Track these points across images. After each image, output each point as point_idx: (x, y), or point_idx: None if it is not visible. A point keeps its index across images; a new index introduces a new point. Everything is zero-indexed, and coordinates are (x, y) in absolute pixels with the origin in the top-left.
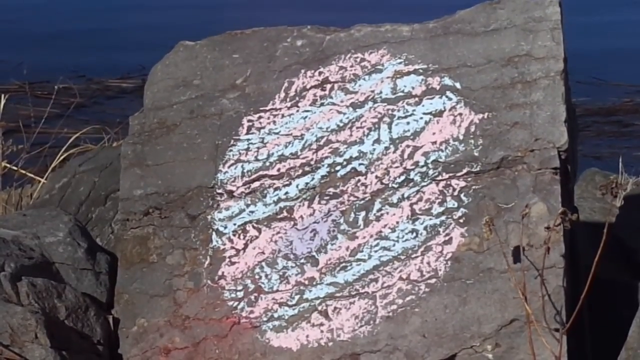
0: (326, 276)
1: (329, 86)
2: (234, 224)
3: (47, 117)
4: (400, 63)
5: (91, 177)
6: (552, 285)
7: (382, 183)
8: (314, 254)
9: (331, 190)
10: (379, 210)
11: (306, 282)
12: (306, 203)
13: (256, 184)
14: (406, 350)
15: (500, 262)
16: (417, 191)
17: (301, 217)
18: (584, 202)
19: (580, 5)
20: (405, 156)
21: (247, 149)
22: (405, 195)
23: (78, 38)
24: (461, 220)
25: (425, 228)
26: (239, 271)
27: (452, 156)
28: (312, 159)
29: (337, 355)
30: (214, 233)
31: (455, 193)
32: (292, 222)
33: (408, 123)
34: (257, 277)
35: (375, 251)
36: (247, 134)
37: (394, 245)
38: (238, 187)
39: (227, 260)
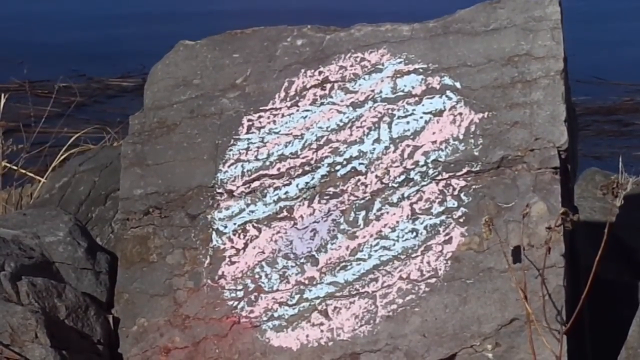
0: (326, 276)
1: (329, 86)
2: (234, 224)
3: (47, 116)
4: (400, 62)
5: (91, 176)
6: (552, 284)
7: (382, 182)
8: (314, 253)
9: (331, 189)
10: (379, 209)
11: (306, 282)
12: (306, 202)
13: (256, 183)
14: (406, 350)
15: (500, 261)
16: (417, 191)
17: (301, 216)
18: (584, 202)
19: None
20: (405, 156)
21: (247, 149)
22: (405, 195)
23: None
24: (461, 220)
25: (425, 227)
26: (239, 271)
27: (452, 156)
28: (312, 159)
29: (337, 354)
30: (214, 232)
31: (456, 192)
32: (292, 222)
33: (408, 122)
34: (257, 276)
35: (375, 251)
36: (247, 133)
37: (394, 244)
38: (238, 187)
39: (227, 259)
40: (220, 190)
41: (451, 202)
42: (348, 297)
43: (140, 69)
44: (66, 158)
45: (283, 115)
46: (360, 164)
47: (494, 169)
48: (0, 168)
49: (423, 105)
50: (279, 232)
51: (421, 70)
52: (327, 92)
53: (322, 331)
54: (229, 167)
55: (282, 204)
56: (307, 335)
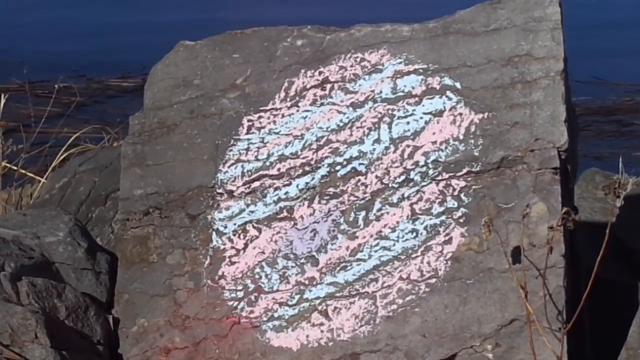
0: (326, 276)
1: (329, 86)
2: (234, 224)
3: (47, 116)
4: (400, 63)
5: (91, 176)
6: (553, 285)
7: (382, 183)
8: (314, 253)
9: (331, 190)
10: (379, 210)
11: (306, 282)
12: (306, 203)
13: (256, 183)
14: (406, 350)
15: (501, 262)
16: (417, 191)
17: (301, 217)
18: (584, 202)
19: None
20: (406, 156)
21: (247, 149)
22: (406, 195)
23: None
24: (461, 220)
25: (425, 228)
26: (239, 271)
27: (452, 156)
28: (312, 159)
29: (337, 355)
30: (214, 233)
31: (456, 193)
32: (292, 222)
33: (408, 123)
34: (257, 277)
35: (376, 251)
36: (247, 133)
37: (394, 245)
38: (238, 187)
39: (227, 260)
40: (220, 191)
41: (451, 203)
42: (348, 297)
43: (140, 69)
44: (66, 158)
45: (283, 116)
46: (360, 164)
47: (494, 169)
48: (0, 168)
49: (423, 105)
50: (279, 232)
51: (421, 70)
52: (327, 92)
53: (322, 331)
54: (229, 167)
55: (282, 204)
56: (307, 336)
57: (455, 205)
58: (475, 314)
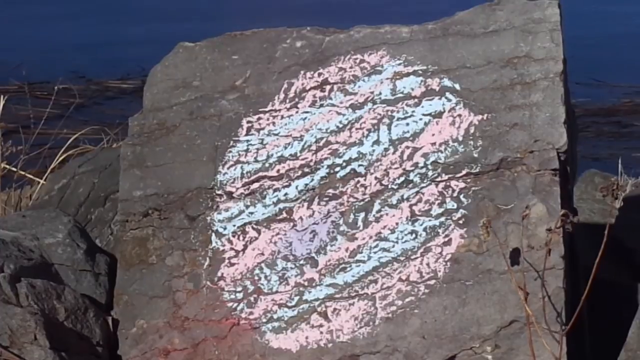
0: (325, 277)
1: (328, 87)
2: (234, 225)
3: (46, 117)
4: (399, 64)
5: (90, 178)
6: (552, 286)
7: (381, 184)
8: (314, 255)
9: (330, 191)
10: (379, 211)
11: (305, 283)
12: (305, 204)
13: (255, 185)
14: (406, 352)
15: (500, 263)
16: (417, 192)
17: (300, 218)
18: (583, 204)
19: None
20: (405, 157)
21: (247, 150)
22: (405, 197)
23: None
24: (460, 222)
25: (424, 229)
26: (239, 272)
27: (451, 157)
28: (311, 160)
29: (336, 356)
30: (213, 234)
31: (455, 194)
32: (291, 223)
33: (407, 124)
34: (256, 278)
35: (375, 252)
36: (246, 135)
37: (393, 246)
38: (237, 188)
39: (227, 261)
40: (219, 192)
41: (450, 204)
42: (347, 298)
43: (140, 70)
44: (65, 159)
45: (282, 117)
46: (359, 165)
47: (493, 170)
48: (0, 170)
49: (422, 106)
50: (278, 233)
51: (420, 72)
52: (326, 93)
53: (321, 333)
54: (228, 168)
55: (281, 205)
56: (307, 337)
57: (455, 206)
58: (474, 315)
